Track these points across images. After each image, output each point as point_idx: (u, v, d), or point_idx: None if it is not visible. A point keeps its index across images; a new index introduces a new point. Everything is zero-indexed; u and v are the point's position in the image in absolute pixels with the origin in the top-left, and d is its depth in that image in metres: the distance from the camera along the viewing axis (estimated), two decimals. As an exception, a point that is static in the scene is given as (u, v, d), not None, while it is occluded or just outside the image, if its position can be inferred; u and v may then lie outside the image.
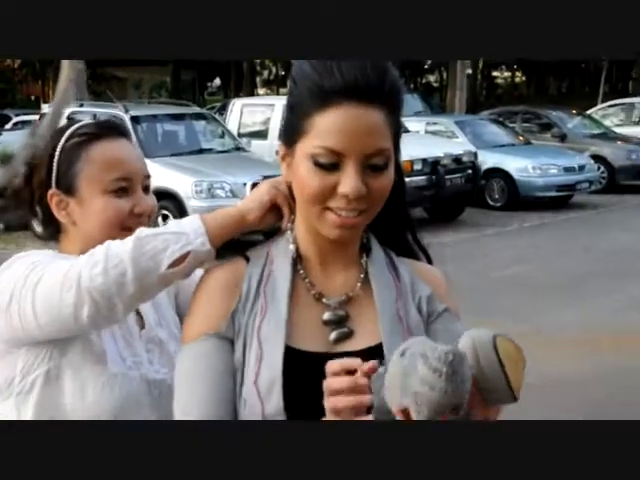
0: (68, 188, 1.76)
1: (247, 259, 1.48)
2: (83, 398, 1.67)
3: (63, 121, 1.68)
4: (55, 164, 1.76)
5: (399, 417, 1.14)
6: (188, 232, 1.47)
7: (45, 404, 1.68)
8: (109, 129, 1.83)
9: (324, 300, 1.43)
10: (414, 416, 1.13)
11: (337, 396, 1.17)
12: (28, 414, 1.68)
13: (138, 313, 1.80)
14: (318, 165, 1.31)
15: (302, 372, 1.32)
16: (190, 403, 1.38)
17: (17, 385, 1.69)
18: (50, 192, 1.76)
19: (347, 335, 1.41)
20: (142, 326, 1.82)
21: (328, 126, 1.30)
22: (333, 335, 1.40)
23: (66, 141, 1.77)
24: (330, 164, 1.30)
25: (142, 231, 1.50)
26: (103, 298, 1.48)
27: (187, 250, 1.46)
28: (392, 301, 1.44)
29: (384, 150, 1.33)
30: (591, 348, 6.67)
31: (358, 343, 1.40)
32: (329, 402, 1.18)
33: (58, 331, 1.60)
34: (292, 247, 1.45)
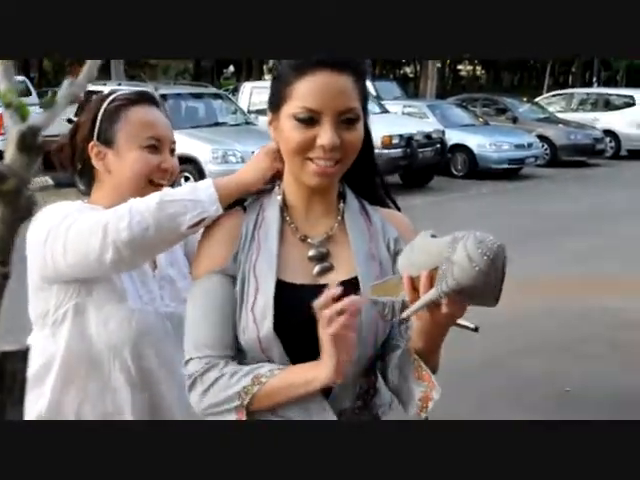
0: (108, 141, 1.75)
1: (244, 209, 1.49)
2: (106, 329, 1.68)
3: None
4: (98, 122, 1.76)
5: (406, 284, 1.20)
6: (204, 200, 1.46)
7: (74, 333, 1.68)
8: (145, 98, 1.83)
9: (309, 240, 1.45)
10: (435, 283, 1.14)
11: (332, 322, 1.22)
12: (61, 341, 1.69)
13: None
14: (299, 121, 1.34)
15: (290, 300, 1.35)
16: (199, 327, 1.40)
17: (51, 317, 1.69)
18: (91, 144, 1.75)
19: (328, 269, 1.42)
20: (155, 267, 1.81)
21: (306, 89, 1.34)
22: (316, 269, 1.42)
23: (109, 104, 1.76)
24: (309, 119, 1.34)
25: (165, 194, 1.51)
26: (126, 248, 1.48)
27: (203, 217, 1.46)
28: (365, 241, 1.46)
29: (353, 109, 1.36)
30: (533, 294, 6.68)
31: (337, 276, 1.41)
32: (329, 329, 1.22)
33: (83, 272, 1.60)
34: (279, 197, 1.47)
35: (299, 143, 1.36)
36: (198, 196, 1.47)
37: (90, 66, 1.41)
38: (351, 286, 1.33)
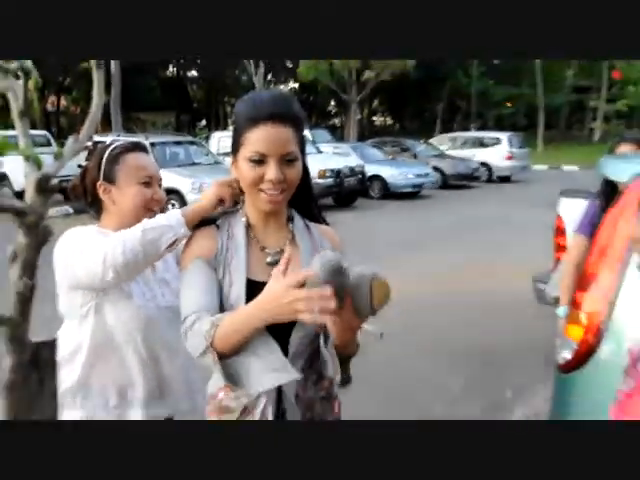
0: (111, 180, 1.74)
1: (217, 227, 1.46)
2: (120, 321, 1.68)
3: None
4: (103, 165, 1.74)
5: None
6: (174, 224, 1.46)
7: (96, 325, 1.68)
8: (138, 146, 1.81)
9: (267, 250, 1.43)
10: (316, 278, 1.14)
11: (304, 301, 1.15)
12: (87, 332, 1.68)
13: None
14: (252, 162, 1.32)
15: (256, 293, 1.27)
16: (190, 295, 1.35)
17: (78, 311, 1.68)
18: (99, 183, 1.74)
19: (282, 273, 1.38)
20: (154, 271, 1.79)
21: (256, 138, 1.31)
22: (274, 271, 1.36)
23: (110, 151, 1.75)
24: (259, 160, 1.32)
25: (145, 224, 1.49)
26: (122, 270, 1.49)
27: (175, 238, 1.47)
28: (310, 250, 1.43)
29: (292, 152, 1.33)
30: (430, 280, 6.74)
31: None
32: (302, 305, 1.14)
33: (94, 286, 1.59)
34: (244, 219, 1.44)
35: (253, 178, 1.33)
36: (170, 222, 1.47)
37: (88, 127, 1.33)
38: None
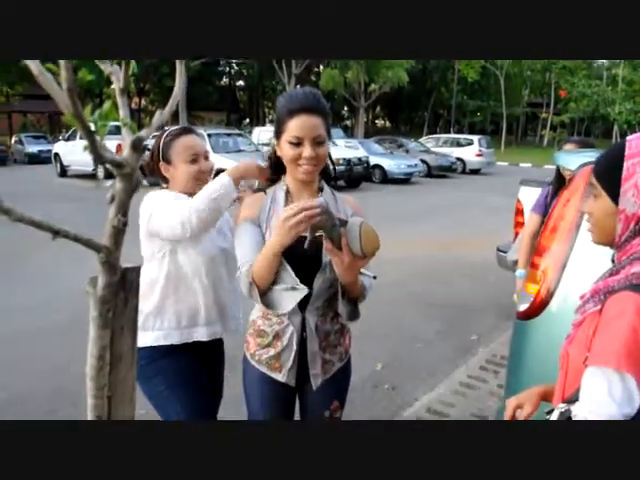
0: (168, 160, 1.69)
1: (265, 193, 1.45)
2: (188, 259, 1.64)
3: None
4: (161, 148, 1.69)
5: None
6: (228, 189, 1.47)
7: (171, 264, 1.64)
8: (184, 130, 1.73)
9: None
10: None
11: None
12: (163, 269, 1.64)
13: None
14: (291, 144, 1.32)
15: (294, 243, 1.24)
16: (240, 251, 1.36)
17: (157, 254, 1.64)
18: (160, 163, 1.70)
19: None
20: (214, 227, 1.74)
21: (294, 125, 1.31)
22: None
23: (165, 137, 1.69)
24: (297, 143, 1.32)
25: (209, 190, 1.48)
26: (198, 229, 1.49)
27: (231, 198, 1.48)
28: (334, 208, 1.41)
29: (322, 135, 1.33)
30: (413, 246, 6.62)
31: None
32: (295, 221, 1.17)
33: (172, 239, 1.57)
34: (285, 187, 1.43)
35: (293, 156, 1.33)
36: (225, 187, 1.47)
37: (170, 106, 1.26)
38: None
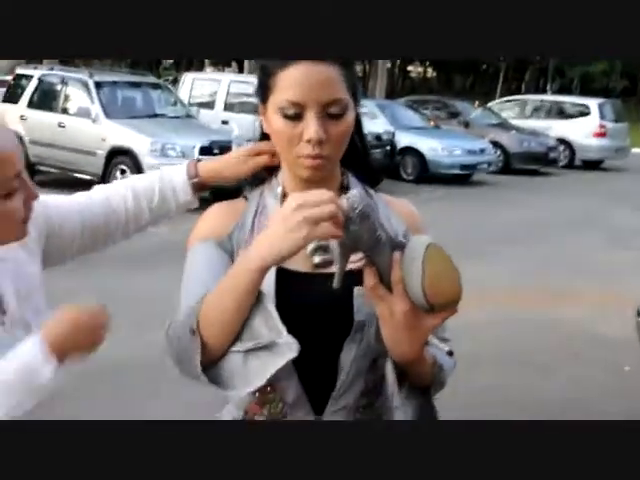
0: None
1: (246, 199, 1.53)
2: None
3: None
4: None
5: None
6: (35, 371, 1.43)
7: None
8: None
9: None
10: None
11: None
12: None
13: None
14: (285, 117, 1.34)
15: (290, 287, 1.36)
16: (194, 288, 1.38)
17: None
18: None
19: (329, 262, 1.36)
20: None
21: (289, 81, 1.33)
22: (317, 259, 1.39)
23: None
24: (294, 115, 1.33)
25: None
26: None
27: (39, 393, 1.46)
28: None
29: (340, 100, 1.34)
30: (487, 301, 6.72)
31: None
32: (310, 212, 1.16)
33: None
34: (279, 188, 1.48)
35: (287, 139, 1.36)
36: (29, 371, 1.44)
37: None
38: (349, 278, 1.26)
